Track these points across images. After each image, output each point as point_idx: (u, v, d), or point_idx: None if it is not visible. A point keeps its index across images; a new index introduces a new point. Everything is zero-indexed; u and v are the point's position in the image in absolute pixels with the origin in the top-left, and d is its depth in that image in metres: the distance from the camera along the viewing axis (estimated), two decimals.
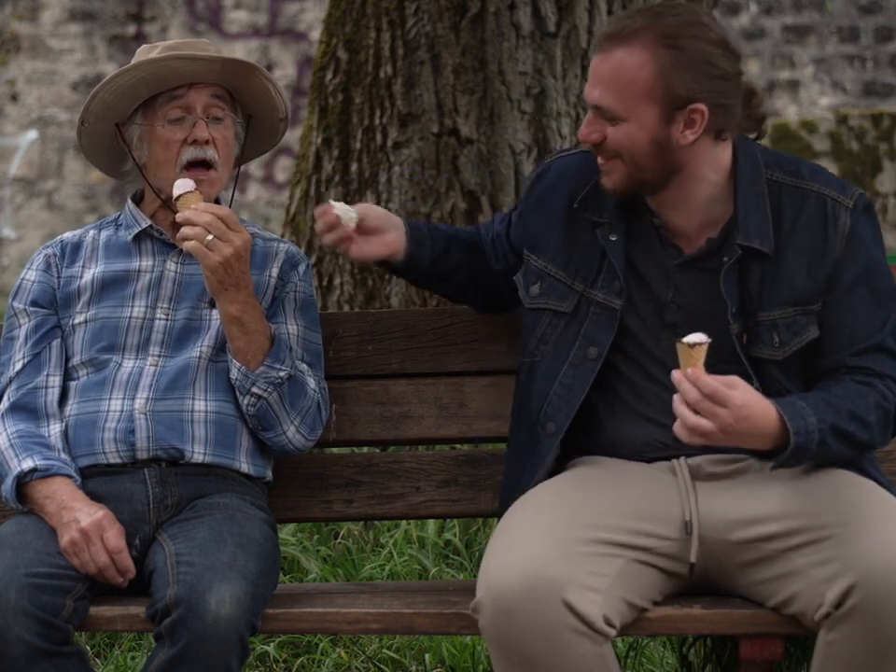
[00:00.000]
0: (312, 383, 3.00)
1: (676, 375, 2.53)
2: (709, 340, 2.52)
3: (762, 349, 2.72)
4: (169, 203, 3.00)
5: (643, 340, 2.79)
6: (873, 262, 2.74)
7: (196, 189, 2.88)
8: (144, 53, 3.05)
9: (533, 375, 2.86)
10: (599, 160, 2.75)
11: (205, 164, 2.99)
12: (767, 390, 2.66)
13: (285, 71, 12.21)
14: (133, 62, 3.01)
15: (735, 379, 2.55)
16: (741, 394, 2.53)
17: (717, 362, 2.57)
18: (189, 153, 2.99)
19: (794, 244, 2.72)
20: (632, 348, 2.80)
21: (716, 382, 2.51)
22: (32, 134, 12.64)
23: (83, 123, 3.04)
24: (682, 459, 2.75)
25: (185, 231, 2.85)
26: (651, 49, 2.65)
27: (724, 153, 2.75)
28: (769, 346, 2.72)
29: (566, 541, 2.59)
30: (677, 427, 2.55)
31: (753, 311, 2.72)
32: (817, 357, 2.74)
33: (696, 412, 2.51)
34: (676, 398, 2.54)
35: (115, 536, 2.80)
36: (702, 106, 2.66)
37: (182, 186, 2.89)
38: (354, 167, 4.77)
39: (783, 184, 2.76)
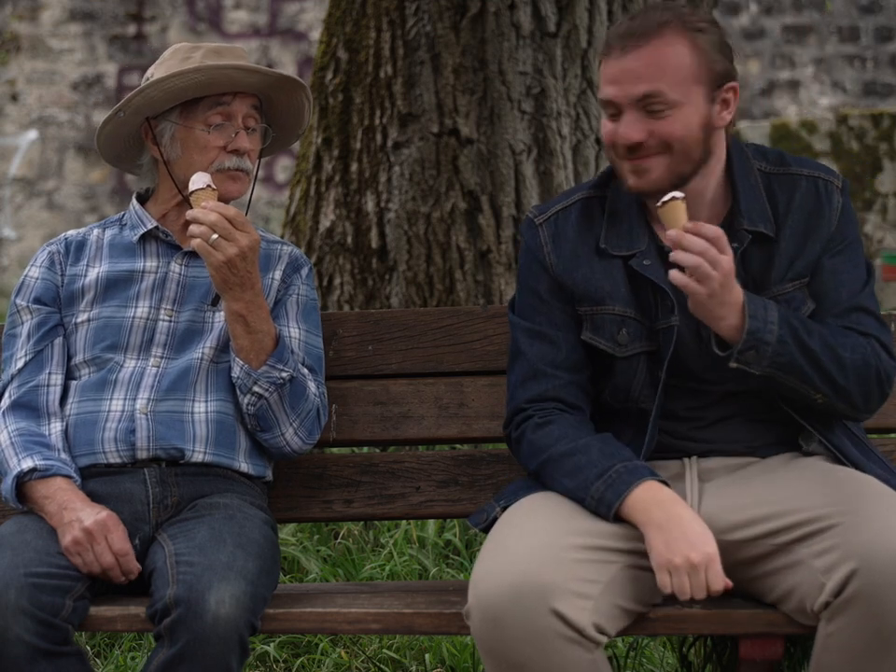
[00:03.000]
0: (312, 387, 3.00)
1: (673, 233, 2.60)
2: (684, 195, 2.64)
3: None
4: (189, 201, 3.01)
5: (683, 357, 2.80)
6: (856, 235, 2.85)
7: (208, 186, 2.89)
8: (184, 53, 3.05)
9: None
10: (630, 163, 2.74)
11: (240, 171, 3.04)
12: None
13: (285, 71, 12.22)
14: (178, 62, 3.01)
15: None
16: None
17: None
18: (233, 161, 3.01)
19: (790, 225, 2.80)
20: (675, 361, 2.81)
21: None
22: (32, 134, 12.64)
23: (118, 113, 3.04)
24: (694, 459, 2.78)
25: (192, 229, 2.86)
26: (685, 34, 2.72)
27: (724, 147, 2.82)
28: None
29: (556, 548, 2.58)
30: (674, 273, 2.60)
31: (756, 293, 2.76)
32: None
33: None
34: (676, 252, 2.59)
35: (120, 538, 2.81)
36: (735, 84, 2.76)
37: (197, 181, 2.90)
38: (354, 167, 4.77)
39: (771, 174, 2.84)
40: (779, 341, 2.66)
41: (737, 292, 2.64)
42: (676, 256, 2.60)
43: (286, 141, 3.20)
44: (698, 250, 2.58)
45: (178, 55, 3.05)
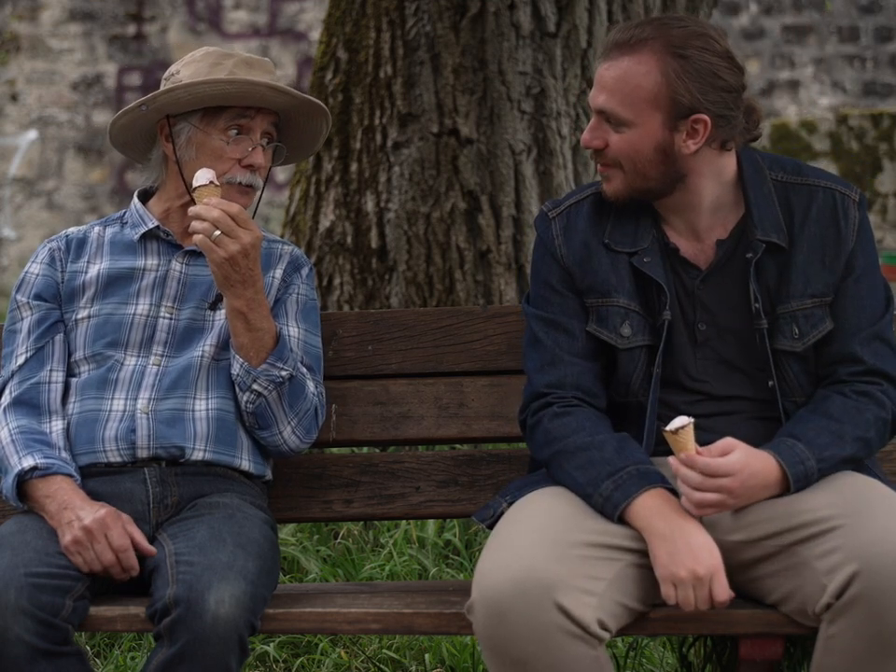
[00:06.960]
0: (311, 386, 3.00)
1: (673, 463, 2.61)
2: (692, 420, 2.59)
3: (782, 341, 2.79)
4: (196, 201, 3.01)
5: (678, 354, 2.83)
6: (875, 255, 2.84)
7: (211, 182, 2.89)
8: (215, 58, 3.04)
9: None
10: (599, 166, 2.81)
11: (250, 187, 3.04)
12: (784, 384, 2.78)
13: (285, 71, 12.21)
14: (208, 66, 3.01)
15: (728, 441, 2.62)
16: (739, 455, 2.62)
17: (741, 359, 2.77)
18: (245, 177, 3.01)
19: (807, 237, 2.80)
20: (669, 357, 2.83)
21: (710, 458, 2.59)
22: (32, 134, 12.65)
23: (141, 106, 3.03)
24: None
25: (194, 225, 2.86)
26: (659, 56, 2.70)
27: (729, 161, 2.82)
28: (789, 338, 2.78)
29: (560, 544, 2.58)
30: (685, 504, 2.62)
31: (772, 305, 2.79)
32: (824, 344, 2.80)
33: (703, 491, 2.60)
34: (679, 480, 2.61)
35: (119, 534, 2.80)
36: (705, 117, 2.72)
37: (200, 178, 2.89)
38: (354, 167, 4.77)
39: (788, 183, 2.84)
40: (820, 474, 2.68)
41: (765, 476, 2.64)
42: (679, 485, 2.62)
43: (294, 159, 3.21)
44: (693, 484, 2.59)
45: (209, 59, 3.04)
